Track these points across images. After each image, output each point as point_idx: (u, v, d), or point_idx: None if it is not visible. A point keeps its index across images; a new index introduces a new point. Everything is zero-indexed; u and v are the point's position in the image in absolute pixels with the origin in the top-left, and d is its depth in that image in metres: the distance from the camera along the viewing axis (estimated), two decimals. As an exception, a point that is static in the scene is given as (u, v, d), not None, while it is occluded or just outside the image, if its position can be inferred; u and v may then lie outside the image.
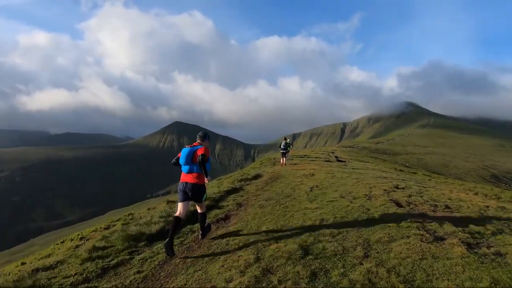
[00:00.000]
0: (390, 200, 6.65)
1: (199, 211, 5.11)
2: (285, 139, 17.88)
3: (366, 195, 7.39)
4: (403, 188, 8.71)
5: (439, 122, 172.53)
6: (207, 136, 5.18)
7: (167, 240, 4.45)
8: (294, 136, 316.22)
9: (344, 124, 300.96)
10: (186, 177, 4.80)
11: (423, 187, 9.83)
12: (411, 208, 6.14)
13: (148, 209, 7.71)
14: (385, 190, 8.02)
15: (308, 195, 7.70)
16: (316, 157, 24.65)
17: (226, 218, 6.19)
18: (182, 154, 4.85)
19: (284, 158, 17.52)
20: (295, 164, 18.61)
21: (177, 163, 4.99)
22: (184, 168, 4.82)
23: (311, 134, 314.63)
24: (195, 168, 4.75)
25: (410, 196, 7.36)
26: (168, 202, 8.24)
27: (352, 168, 16.40)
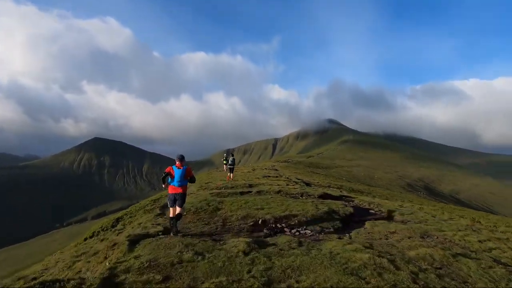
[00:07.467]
0: None
1: (177, 212, 6.89)
2: (232, 155, 19.02)
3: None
4: None
5: (358, 138, 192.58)
6: (184, 157, 7.18)
7: (172, 230, 6.55)
8: (228, 152, 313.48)
9: (276, 140, 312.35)
10: (177, 189, 6.92)
11: None
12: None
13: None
14: None
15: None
16: (279, 191, 13.11)
17: None
18: (176, 174, 6.91)
19: (232, 174, 18.13)
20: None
21: (165, 178, 7.06)
22: (177, 184, 6.90)
23: (245, 149, 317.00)
24: (184, 183, 6.98)
25: None
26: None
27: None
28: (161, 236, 6.12)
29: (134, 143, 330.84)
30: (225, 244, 5.57)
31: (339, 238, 6.59)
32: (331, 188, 17.56)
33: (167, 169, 7.08)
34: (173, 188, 6.91)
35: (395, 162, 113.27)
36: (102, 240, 7.75)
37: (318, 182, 21.01)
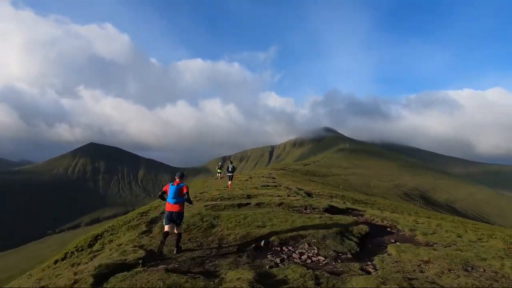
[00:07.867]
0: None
1: (176, 231, 6.82)
2: (231, 162, 18.97)
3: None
4: None
5: (354, 146, 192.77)
6: (184, 175, 7.22)
7: (158, 246, 6.39)
8: (224, 159, 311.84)
9: (272, 147, 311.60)
10: (173, 207, 6.81)
11: None
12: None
13: None
14: None
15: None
16: (281, 203, 12.02)
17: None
18: (171, 191, 6.86)
19: (231, 181, 18.08)
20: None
21: (162, 195, 7.18)
22: (172, 201, 6.83)
23: (241, 157, 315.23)
24: (179, 200, 6.86)
25: None
26: None
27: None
28: (139, 269, 4.84)
29: (130, 149, 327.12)
30: (221, 284, 4.29)
31: (361, 268, 5.38)
32: (334, 199, 16.39)
33: (164, 187, 7.15)
34: (169, 206, 6.88)
35: (391, 170, 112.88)
36: (73, 265, 6.43)
37: (318, 192, 19.85)
